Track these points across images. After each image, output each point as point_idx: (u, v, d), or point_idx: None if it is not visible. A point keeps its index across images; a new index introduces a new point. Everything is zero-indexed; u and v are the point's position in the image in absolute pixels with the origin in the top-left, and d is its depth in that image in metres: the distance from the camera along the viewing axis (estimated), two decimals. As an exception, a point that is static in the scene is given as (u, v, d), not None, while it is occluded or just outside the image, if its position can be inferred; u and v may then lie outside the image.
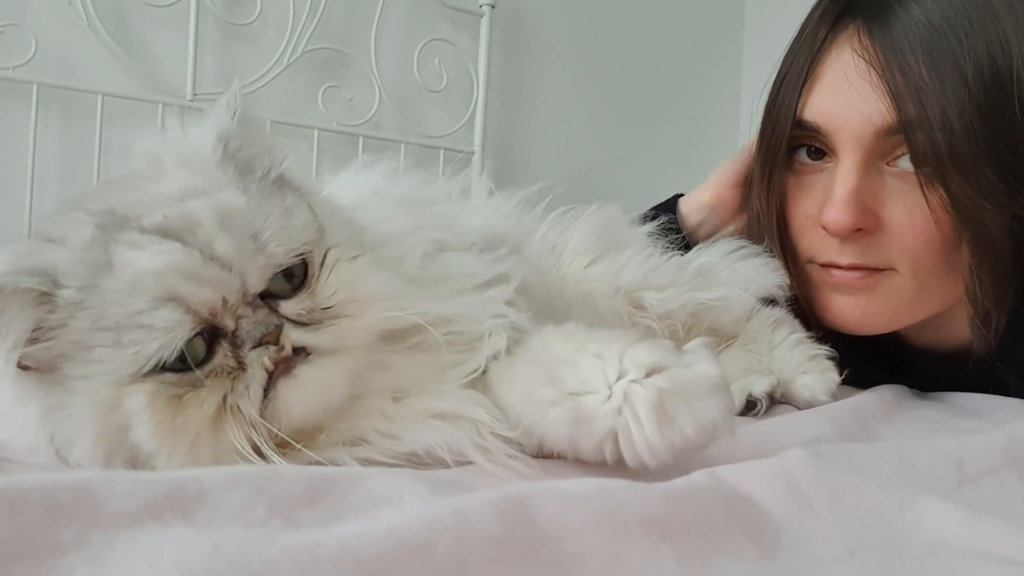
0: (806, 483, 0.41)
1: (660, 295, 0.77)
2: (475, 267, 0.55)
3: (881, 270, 0.84)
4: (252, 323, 0.43)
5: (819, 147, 0.87)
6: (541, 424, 0.44)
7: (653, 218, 0.89)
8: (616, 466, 0.42)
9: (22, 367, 0.43)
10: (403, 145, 1.56)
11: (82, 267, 0.42)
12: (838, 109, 0.82)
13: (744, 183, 1.00)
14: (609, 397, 0.42)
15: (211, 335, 0.43)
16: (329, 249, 0.47)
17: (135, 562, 0.28)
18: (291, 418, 0.44)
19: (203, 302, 0.42)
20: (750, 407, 0.75)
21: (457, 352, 0.50)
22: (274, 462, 0.42)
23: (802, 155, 0.89)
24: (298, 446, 0.44)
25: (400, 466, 0.44)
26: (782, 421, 0.67)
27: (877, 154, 0.81)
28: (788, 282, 0.85)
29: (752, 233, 0.93)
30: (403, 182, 0.68)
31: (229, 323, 0.43)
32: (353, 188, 0.64)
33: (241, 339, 0.43)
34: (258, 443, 0.42)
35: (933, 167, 0.77)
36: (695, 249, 0.87)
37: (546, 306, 0.59)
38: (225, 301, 0.42)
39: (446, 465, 0.45)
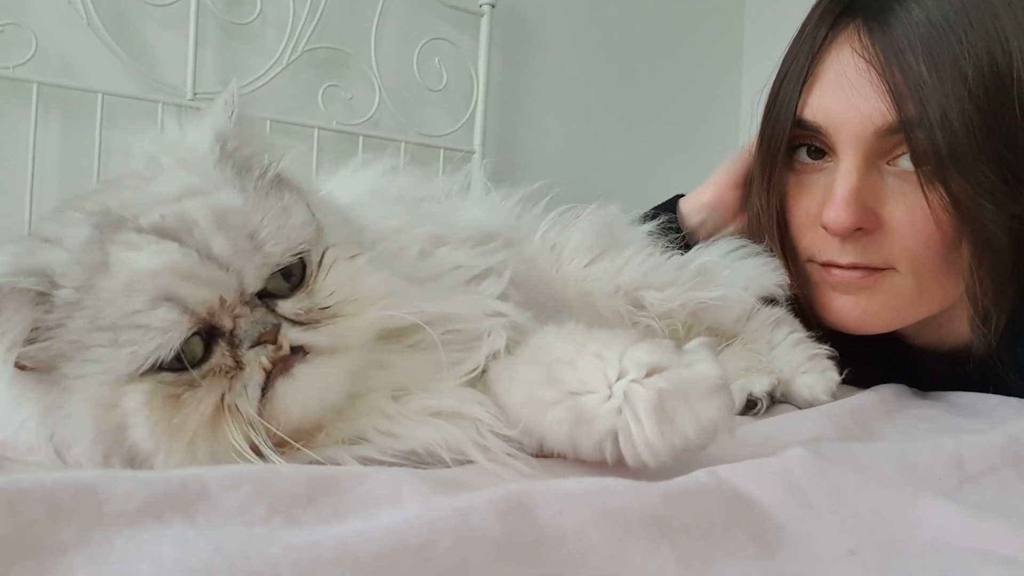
0: (806, 482, 0.41)
1: (660, 294, 0.77)
2: (468, 260, 0.55)
3: (881, 269, 0.84)
4: (250, 322, 0.43)
5: (819, 146, 0.86)
6: (541, 424, 0.44)
7: (653, 218, 0.89)
8: (616, 466, 0.42)
9: (20, 367, 0.43)
10: (403, 144, 1.56)
11: (79, 267, 0.42)
12: (838, 108, 0.82)
13: (744, 183, 1.00)
14: (609, 397, 0.42)
15: (209, 335, 0.43)
16: (327, 248, 0.47)
17: (135, 561, 0.28)
18: (289, 417, 0.44)
19: (200, 302, 0.42)
20: (750, 406, 0.75)
21: (456, 351, 0.50)
22: (273, 461, 0.41)
23: (802, 154, 0.89)
24: (297, 445, 0.44)
25: (400, 465, 0.44)
26: (782, 420, 0.67)
27: (877, 153, 0.81)
28: (788, 281, 0.85)
29: (752, 232, 0.93)
30: (400, 180, 0.68)
31: (227, 322, 0.43)
32: (351, 187, 0.64)
33: (239, 338, 0.43)
34: (256, 442, 0.42)
35: (933, 166, 0.77)
36: (695, 248, 0.87)
37: (540, 301, 0.58)
38: (222, 300, 0.42)
39: (446, 464, 0.45)
